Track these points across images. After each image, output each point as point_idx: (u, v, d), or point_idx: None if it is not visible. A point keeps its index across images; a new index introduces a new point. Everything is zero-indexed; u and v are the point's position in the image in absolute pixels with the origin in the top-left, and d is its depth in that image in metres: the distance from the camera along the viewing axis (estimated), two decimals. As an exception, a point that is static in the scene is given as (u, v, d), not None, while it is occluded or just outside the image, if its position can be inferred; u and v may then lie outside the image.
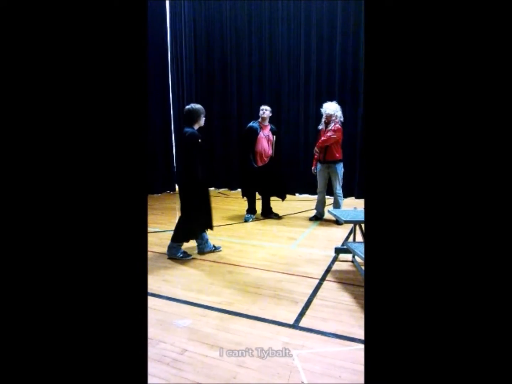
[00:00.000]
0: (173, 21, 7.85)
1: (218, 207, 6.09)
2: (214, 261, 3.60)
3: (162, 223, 5.11)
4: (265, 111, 4.91)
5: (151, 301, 2.76)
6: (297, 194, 7.04)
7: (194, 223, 3.63)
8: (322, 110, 4.85)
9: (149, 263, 3.54)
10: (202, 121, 3.58)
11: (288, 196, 6.61)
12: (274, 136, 5.01)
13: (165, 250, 3.76)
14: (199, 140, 3.46)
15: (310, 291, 2.88)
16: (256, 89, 7.23)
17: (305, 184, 6.83)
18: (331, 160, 4.85)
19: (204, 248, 3.80)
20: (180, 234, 3.66)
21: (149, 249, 3.64)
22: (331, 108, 4.77)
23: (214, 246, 3.87)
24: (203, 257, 3.72)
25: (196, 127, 3.54)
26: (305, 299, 2.75)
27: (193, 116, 3.50)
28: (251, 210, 5.20)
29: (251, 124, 5.00)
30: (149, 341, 2.20)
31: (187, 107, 3.56)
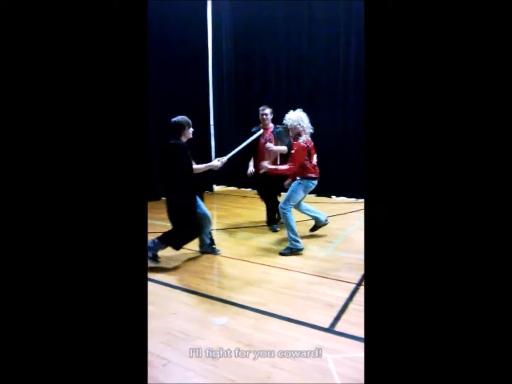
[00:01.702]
0: (214, 21, 7.94)
1: (256, 208, 6.09)
2: (249, 261, 3.65)
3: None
4: (267, 116, 4.67)
5: (189, 297, 2.86)
6: (333, 197, 6.94)
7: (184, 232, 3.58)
8: (285, 122, 3.95)
9: (188, 261, 3.68)
10: (188, 133, 3.47)
11: (323, 199, 6.56)
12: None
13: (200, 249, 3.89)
14: (188, 152, 3.38)
15: (347, 296, 2.85)
16: (293, 89, 7.19)
17: (337, 186, 6.75)
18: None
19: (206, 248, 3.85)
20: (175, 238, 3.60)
21: (186, 247, 3.77)
22: (291, 118, 3.86)
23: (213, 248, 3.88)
24: (238, 256, 3.79)
25: (183, 139, 3.45)
26: (341, 303, 2.73)
27: (177, 129, 3.41)
28: (271, 220, 4.85)
29: (253, 130, 4.63)
30: (185, 337, 2.28)
31: (172, 119, 3.46)
